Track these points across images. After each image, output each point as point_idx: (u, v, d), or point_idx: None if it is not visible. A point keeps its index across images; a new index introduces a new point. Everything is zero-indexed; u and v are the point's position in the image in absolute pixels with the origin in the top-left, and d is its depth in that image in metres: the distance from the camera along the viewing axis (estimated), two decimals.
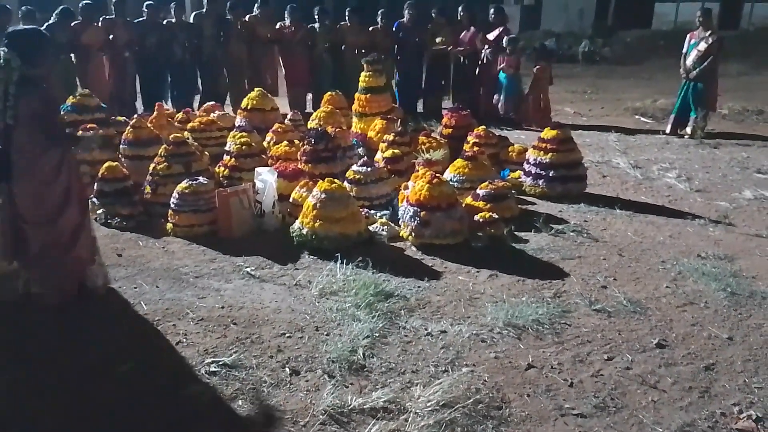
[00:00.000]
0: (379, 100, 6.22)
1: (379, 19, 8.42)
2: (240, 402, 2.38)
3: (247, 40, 8.02)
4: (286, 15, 8.23)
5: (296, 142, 5.21)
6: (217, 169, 4.95)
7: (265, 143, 5.44)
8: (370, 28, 8.38)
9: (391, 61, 8.36)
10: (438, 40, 8.32)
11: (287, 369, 2.59)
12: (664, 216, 4.63)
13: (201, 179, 4.24)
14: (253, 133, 5.32)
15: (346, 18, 8.35)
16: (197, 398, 2.38)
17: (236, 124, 5.84)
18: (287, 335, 2.87)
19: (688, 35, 7.55)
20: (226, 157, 5.00)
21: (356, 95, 6.31)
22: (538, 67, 8.40)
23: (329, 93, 6.87)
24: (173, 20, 7.80)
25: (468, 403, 2.33)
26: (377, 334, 2.84)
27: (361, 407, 2.32)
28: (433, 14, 8.57)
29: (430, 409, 2.29)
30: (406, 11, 8.40)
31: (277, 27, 8.24)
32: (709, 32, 7.24)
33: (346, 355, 2.66)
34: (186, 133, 5.34)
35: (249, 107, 6.16)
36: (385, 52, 8.09)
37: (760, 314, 3.13)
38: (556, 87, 12.20)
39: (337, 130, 5.41)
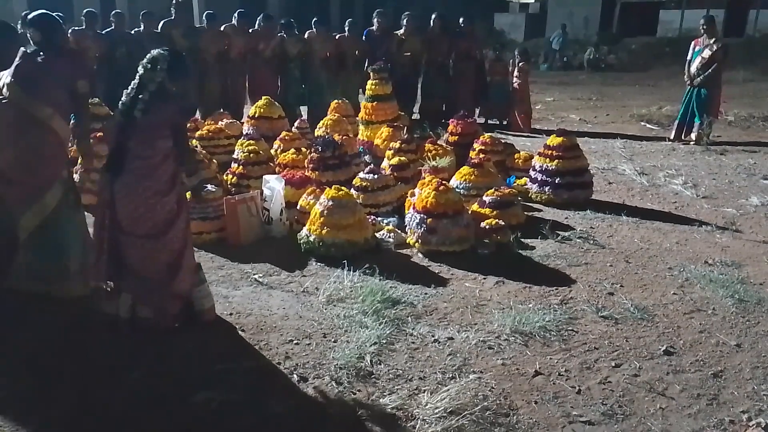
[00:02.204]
0: (386, 108, 6.28)
1: (346, 28, 8.45)
2: (247, 409, 2.40)
3: (221, 50, 7.86)
4: (258, 24, 8.11)
5: (303, 149, 5.25)
6: (225, 176, 4.99)
7: (272, 151, 5.48)
8: (336, 37, 8.41)
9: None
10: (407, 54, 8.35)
11: (295, 376, 2.61)
12: (670, 223, 4.63)
13: (209, 187, 4.27)
14: (261, 141, 5.36)
15: (313, 28, 8.32)
16: (206, 405, 2.39)
17: (244, 132, 5.89)
18: (295, 342, 2.88)
19: (693, 42, 7.57)
20: (234, 165, 5.04)
21: (363, 103, 6.36)
22: (521, 63, 8.55)
23: (335, 101, 6.92)
24: (141, 30, 7.60)
25: (475, 410, 2.34)
26: (384, 341, 2.85)
27: (369, 414, 2.33)
28: (404, 22, 8.48)
29: (437, 416, 2.30)
30: (375, 20, 8.43)
31: (250, 35, 8.08)
32: (713, 39, 7.26)
33: (353, 361, 2.67)
34: (194, 141, 5.39)
35: (256, 115, 6.21)
36: (353, 60, 8.26)
37: None
38: (561, 94, 12.30)
39: (344, 137, 5.45)
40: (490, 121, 8.80)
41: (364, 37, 8.45)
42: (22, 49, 3.17)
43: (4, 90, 3.05)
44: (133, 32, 7.65)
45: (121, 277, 2.92)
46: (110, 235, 2.86)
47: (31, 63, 3.09)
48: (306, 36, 8.28)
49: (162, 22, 7.71)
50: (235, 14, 8.23)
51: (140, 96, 2.74)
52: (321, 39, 8.25)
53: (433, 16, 8.61)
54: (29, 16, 3.22)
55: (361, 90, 8.36)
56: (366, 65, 8.20)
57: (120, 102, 2.83)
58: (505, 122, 8.75)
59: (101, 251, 2.89)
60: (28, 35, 3.18)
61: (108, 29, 7.58)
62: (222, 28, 8.05)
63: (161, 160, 2.82)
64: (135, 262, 2.87)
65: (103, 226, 2.87)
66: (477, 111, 8.67)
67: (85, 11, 7.56)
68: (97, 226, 2.92)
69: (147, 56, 2.80)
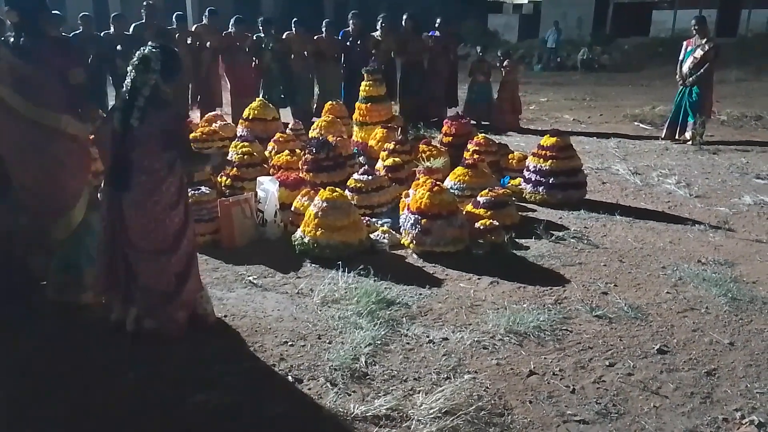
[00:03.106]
0: (380, 109, 6.28)
1: (323, 29, 8.52)
2: (243, 410, 2.39)
3: (194, 51, 7.80)
4: (231, 25, 8.09)
5: (297, 151, 5.25)
6: (219, 178, 4.97)
7: (266, 153, 5.48)
8: (315, 37, 8.48)
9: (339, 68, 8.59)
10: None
11: (290, 377, 2.60)
12: (664, 222, 4.65)
13: (203, 189, 4.26)
14: (255, 142, 5.35)
15: (293, 27, 8.39)
16: (201, 407, 2.39)
17: (238, 134, 5.88)
18: (290, 343, 2.88)
19: (684, 42, 7.61)
20: (228, 167, 5.03)
21: (357, 104, 6.37)
22: (506, 66, 8.73)
23: (330, 102, 6.93)
24: (111, 32, 7.47)
25: (470, 410, 2.34)
26: (379, 342, 2.85)
27: (364, 415, 2.33)
28: (379, 24, 8.61)
29: (432, 416, 2.30)
30: (351, 21, 8.55)
31: (223, 36, 8.08)
32: (704, 39, 7.30)
33: (348, 362, 2.67)
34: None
35: (250, 117, 6.20)
36: (331, 60, 8.40)
37: (761, 319, 3.14)
38: (555, 94, 12.34)
39: (338, 139, 5.45)
40: (483, 123, 8.86)
41: (339, 38, 8.54)
42: (6, 42, 2.98)
43: (9, 102, 2.89)
44: (102, 34, 7.54)
45: (128, 289, 2.83)
46: (116, 249, 2.77)
47: (23, 63, 2.90)
48: (284, 36, 8.31)
49: (133, 25, 7.62)
50: (206, 13, 8.19)
51: (135, 103, 2.59)
52: (299, 39, 8.28)
53: (404, 17, 8.77)
54: None
55: (343, 90, 8.44)
56: (342, 66, 8.39)
57: (113, 108, 2.71)
58: (488, 122, 8.86)
59: (105, 264, 2.82)
60: (5, 17, 2.98)
61: (75, 32, 7.35)
62: (193, 28, 8.00)
63: (168, 172, 2.69)
64: (144, 276, 2.78)
65: (107, 239, 2.78)
66: (456, 110, 8.83)
67: None
68: (100, 239, 2.84)
69: (137, 55, 2.63)
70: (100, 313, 3.01)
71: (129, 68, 2.65)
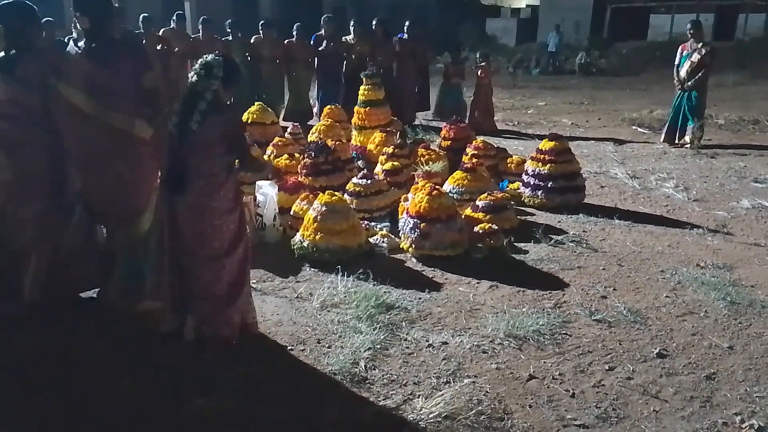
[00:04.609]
0: (378, 113, 6.30)
1: (294, 33, 8.56)
2: (242, 415, 2.39)
3: (163, 55, 7.79)
4: (199, 28, 8.11)
5: (296, 155, 5.25)
6: None
7: (265, 157, 5.48)
8: (286, 41, 8.52)
9: (312, 72, 8.67)
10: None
11: (289, 382, 2.59)
12: (662, 226, 4.65)
13: None
14: (254, 146, 5.35)
15: (260, 31, 8.42)
16: (200, 412, 2.38)
17: None
18: (289, 348, 2.87)
19: (680, 47, 7.63)
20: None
21: (356, 108, 6.38)
22: (480, 71, 8.78)
23: (329, 106, 6.93)
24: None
25: (470, 414, 2.34)
26: (379, 346, 2.85)
27: (363, 420, 2.32)
28: (351, 26, 8.67)
29: (432, 420, 2.30)
30: (323, 25, 8.59)
31: (191, 39, 8.08)
32: (700, 44, 7.33)
33: (348, 367, 2.67)
34: None
35: (249, 121, 6.20)
36: (303, 63, 8.48)
37: (760, 323, 3.14)
38: (553, 98, 12.37)
39: (337, 143, 5.46)
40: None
41: (312, 42, 8.57)
42: (73, 46, 2.95)
43: (84, 107, 2.87)
44: (66, 39, 7.49)
45: (183, 297, 2.80)
46: (171, 255, 2.74)
47: (94, 67, 2.88)
48: (252, 40, 8.31)
49: None
50: (173, 17, 8.20)
51: (196, 107, 2.59)
52: (268, 43, 8.29)
53: (374, 22, 8.81)
54: (75, 0, 2.92)
55: (316, 94, 8.46)
56: (315, 69, 8.43)
57: (171, 111, 2.70)
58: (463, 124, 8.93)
59: (162, 271, 2.80)
60: (75, 22, 2.95)
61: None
62: (161, 33, 8.01)
63: (226, 177, 2.67)
64: (199, 284, 2.75)
65: (163, 245, 2.75)
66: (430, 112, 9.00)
67: None
68: (156, 245, 2.82)
69: (200, 62, 2.65)
70: (157, 321, 2.95)
71: (190, 74, 2.66)
